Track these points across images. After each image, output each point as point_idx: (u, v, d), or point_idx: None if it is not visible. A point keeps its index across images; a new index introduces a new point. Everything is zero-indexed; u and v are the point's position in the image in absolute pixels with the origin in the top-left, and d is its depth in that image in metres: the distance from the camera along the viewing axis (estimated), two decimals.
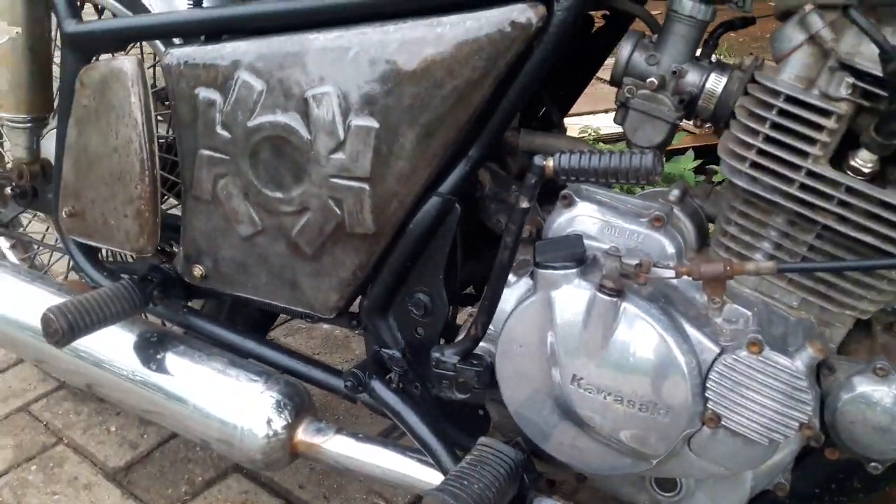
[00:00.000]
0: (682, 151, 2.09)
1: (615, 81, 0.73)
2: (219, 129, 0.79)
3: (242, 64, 0.76)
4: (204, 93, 0.79)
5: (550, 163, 0.62)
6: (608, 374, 0.64)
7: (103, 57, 0.88)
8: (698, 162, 2.00)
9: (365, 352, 0.85)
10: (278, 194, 0.78)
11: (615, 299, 0.62)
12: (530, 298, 0.67)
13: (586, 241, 0.67)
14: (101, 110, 0.83)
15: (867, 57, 0.55)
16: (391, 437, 1.12)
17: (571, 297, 0.64)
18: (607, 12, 0.85)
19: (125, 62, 0.81)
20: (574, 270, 0.64)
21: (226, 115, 0.78)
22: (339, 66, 0.72)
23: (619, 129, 0.74)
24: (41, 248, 1.20)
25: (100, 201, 0.86)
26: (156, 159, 0.83)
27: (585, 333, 0.64)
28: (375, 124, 0.72)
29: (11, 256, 1.27)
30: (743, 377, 0.61)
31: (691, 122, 0.73)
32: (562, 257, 0.65)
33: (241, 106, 0.77)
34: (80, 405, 1.21)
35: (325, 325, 1.40)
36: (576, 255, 0.65)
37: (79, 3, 0.91)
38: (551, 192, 0.74)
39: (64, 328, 0.78)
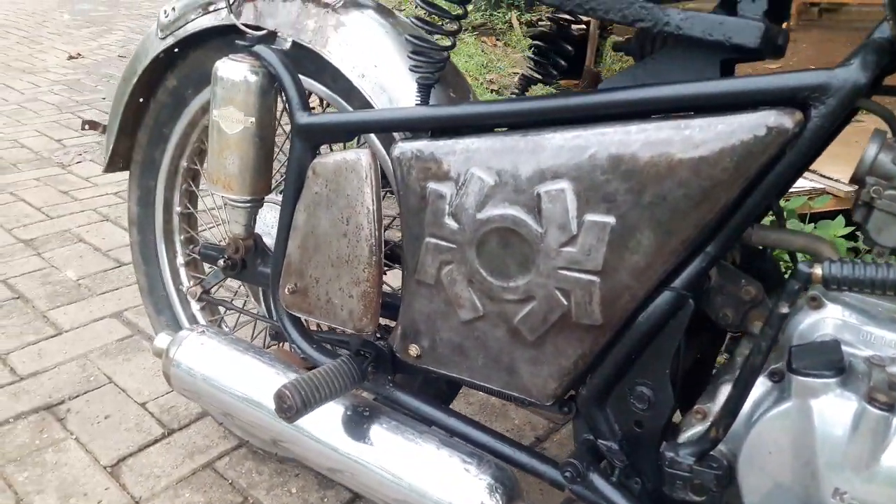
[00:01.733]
0: (830, 215, 2.02)
1: (857, 180, 0.72)
2: (447, 220, 0.82)
3: (474, 160, 0.80)
4: (434, 185, 0.83)
5: (819, 270, 0.61)
6: (877, 490, 0.61)
7: (334, 148, 0.94)
8: (850, 229, 1.92)
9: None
10: (503, 283, 0.80)
11: (887, 414, 0.60)
12: (783, 405, 0.65)
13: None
14: (332, 198, 0.89)
15: None
16: None
17: (835, 407, 0.62)
18: None
19: (361, 155, 0.86)
20: (835, 380, 0.63)
21: (455, 206, 0.81)
22: (575, 164, 0.75)
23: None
24: (241, 314, 1.27)
25: (324, 281, 0.92)
26: (382, 244, 0.88)
27: (852, 446, 0.62)
28: (612, 220, 0.73)
29: (200, 318, 1.35)
30: None
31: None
32: (820, 364, 0.64)
33: (471, 199, 0.80)
34: (261, 465, 1.26)
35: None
36: (835, 362, 0.64)
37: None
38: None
39: (298, 405, 0.82)
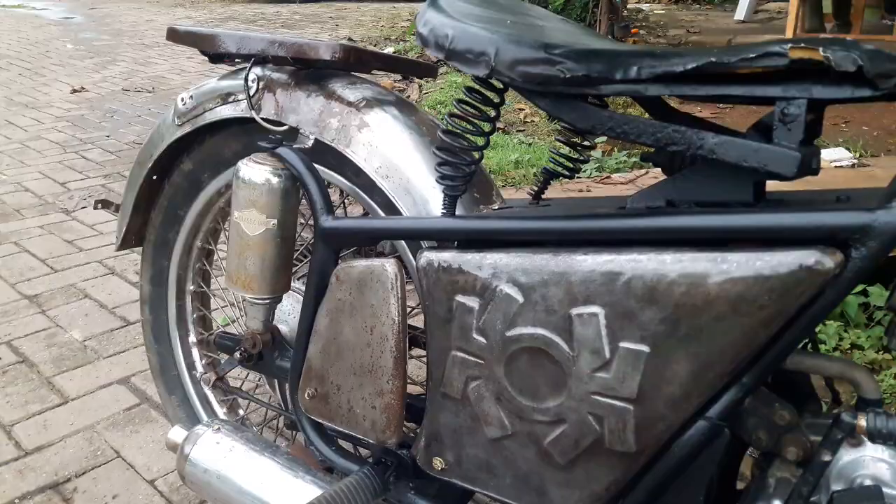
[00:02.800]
0: None
1: (892, 307, 0.71)
2: (474, 335, 0.81)
3: (503, 276, 0.79)
4: (461, 298, 0.81)
5: (863, 423, 0.60)
6: None
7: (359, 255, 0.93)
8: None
9: None
10: (533, 403, 0.79)
11: None
12: None
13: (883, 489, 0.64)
14: (357, 306, 0.87)
15: None
16: None
17: None
18: None
19: (387, 266, 0.85)
20: None
21: (483, 322, 0.80)
22: (609, 289, 0.73)
23: None
24: (257, 404, 1.26)
25: (346, 389, 0.90)
26: (407, 356, 0.86)
27: None
28: (646, 349, 0.72)
29: (212, 398, 1.33)
30: None
31: None
32: None
33: (500, 315, 0.79)
34: None
35: None
36: None
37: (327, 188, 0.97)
38: None
39: None
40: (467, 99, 0.84)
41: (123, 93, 5.10)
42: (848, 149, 3.55)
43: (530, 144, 3.70)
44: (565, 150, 1.03)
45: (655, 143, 0.75)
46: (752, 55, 0.66)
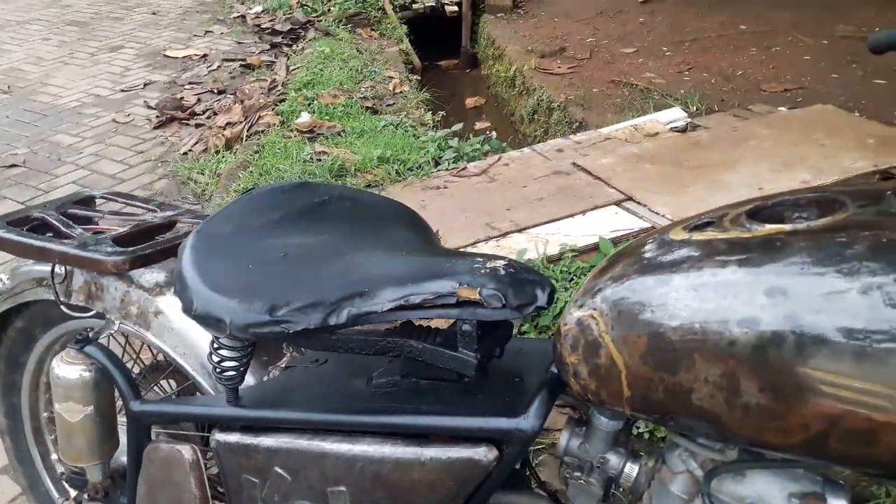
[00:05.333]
0: None
1: (559, 458, 0.97)
2: None
3: (275, 459, 0.99)
4: (246, 475, 1.02)
5: None
6: None
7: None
8: None
9: None
10: None
11: None
12: None
13: None
14: (165, 482, 1.07)
15: None
16: None
17: None
18: None
19: (184, 451, 1.04)
20: None
21: (265, 495, 1.01)
22: (350, 472, 0.95)
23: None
24: None
25: None
26: None
27: None
28: None
29: None
30: None
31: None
32: None
33: (276, 492, 1.00)
34: None
35: None
36: None
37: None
38: None
39: None
40: (216, 347, 0.99)
41: None
42: (686, 105, 3.85)
43: (398, 126, 3.83)
44: None
45: (376, 352, 0.96)
46: (432, 296, 0.87)
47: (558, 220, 2.77)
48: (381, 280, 0.91)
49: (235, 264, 0.97)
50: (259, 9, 6.33)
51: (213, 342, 0.99)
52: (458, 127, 3.65)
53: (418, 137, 3.64)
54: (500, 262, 0.91)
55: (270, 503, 1.01)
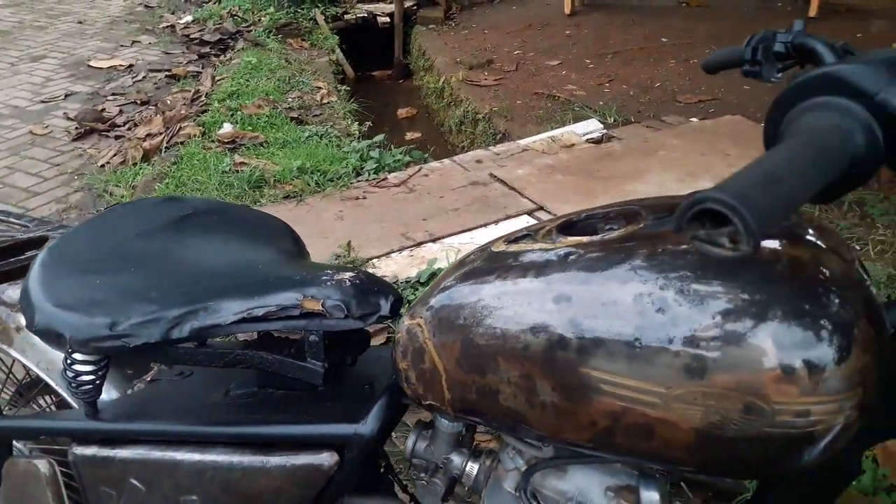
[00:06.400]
0: None
1: (408, 460, 1.01)
2: None
3: (130, 470, 1.01)
4: (103, 487, 1.03)
5: None
6: None
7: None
8: None
9: None
10: None
11: None
12: None
13: None
14: (24, 497, 1.07)
15: None
16: None
17: None
18: None
19: (41, 465, 1.05)
20: None
21: None
22: (201, 481, 0.98)
23: None
24: None
25: None
26: None
27: None
28: None
29: None
30: None
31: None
32: None
33: (131, 502, 1.01)
34: None
35: None
36: None
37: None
38: None
39: None
40: (70, 362, 0.99)
41: None
42: (604, 116, 3.97)
43: (322, 137, 3.85)
44: None
45: (227, 364, 0.99)
46: (276, 308, 0.91)
47: (472, 229, 2.84)
48: (227, 293, 0.94)
49: (82, 280, 0.98)
50: (189, 19, 6.27)
51: (65, 357, 1.00)
52: (379, 138, 3.69)
53: (341, 148, 3.66)
54: (349, 274, 0.95)
55: None
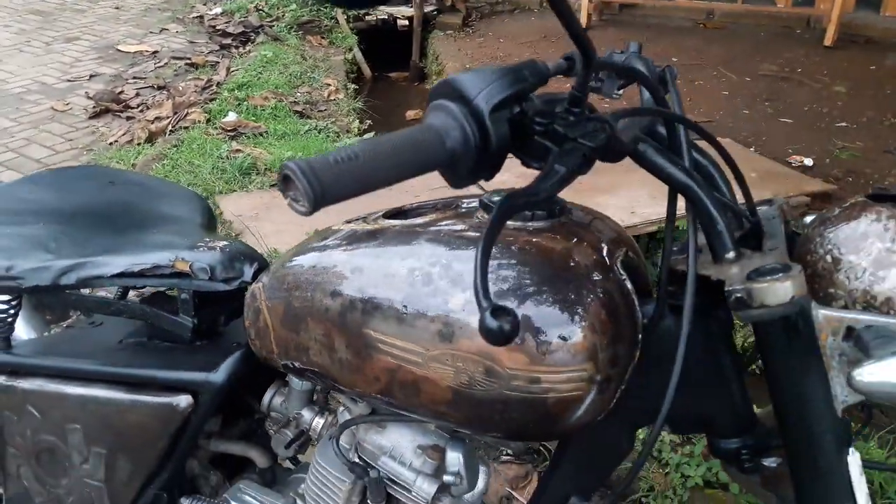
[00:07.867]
0: None
1: (265, 413, 1.14)
2: (17, 437, 1.19)
3: (29, 398, 1.16)
4: (6, 412, 1.18)
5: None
6: None
7: None
8: None
9: None
10: (54, 482, 1.18)
11: None
12: None
13: None
14: None
15: None
16: None
17: None
18: None
19: None
20: None
21: (19, 431, 1.18)
22: (83, 412, 1.12)
23: None
24: None
25: None
26: None
27: None
28: (105, 451, 1.12)
29: None
30: None
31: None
32: None
33: (28, 426, 1.16)
34: None
35: None
36: None
37: None
38: None
39: None
40: None
41: None
42: None
43: (321, 131, 4.01)
44: None
45: (111, 313, 1.14)
46: (150, 266, 1.05)
47: None
48: (114, 250, 1.09)
49: None
50: (219, 10, 6.50)
51: None
52: (371, 135, 3.83)
53: (336, 142, 3.82)
54: (222, 243, 1.09)
55: (24, 437, 1.17)
